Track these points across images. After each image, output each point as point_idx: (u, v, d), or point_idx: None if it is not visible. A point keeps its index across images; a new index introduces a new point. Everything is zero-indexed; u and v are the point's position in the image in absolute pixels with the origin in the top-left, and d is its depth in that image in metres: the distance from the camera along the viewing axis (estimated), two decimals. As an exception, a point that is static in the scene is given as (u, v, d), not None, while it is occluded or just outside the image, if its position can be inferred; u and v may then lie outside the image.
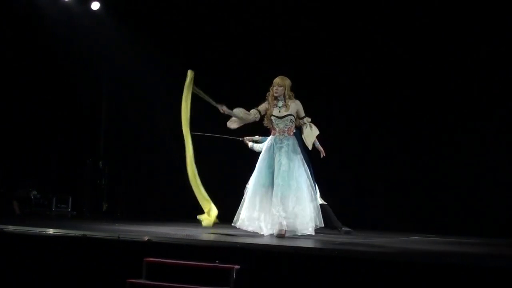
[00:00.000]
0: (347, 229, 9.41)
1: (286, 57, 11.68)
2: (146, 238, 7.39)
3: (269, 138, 8.85)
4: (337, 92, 11.31)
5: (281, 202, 8.46)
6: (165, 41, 12.52)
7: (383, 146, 10.97)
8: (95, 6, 12.84)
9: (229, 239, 8.03)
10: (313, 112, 8.94)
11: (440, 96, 11.00)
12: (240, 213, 8.67)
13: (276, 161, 8.63)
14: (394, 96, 11.17)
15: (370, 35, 11.27)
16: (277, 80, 8.71)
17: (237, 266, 6.72)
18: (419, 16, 10.98)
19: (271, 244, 7.59)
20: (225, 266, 6.75)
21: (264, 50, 11.85)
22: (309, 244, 7.83)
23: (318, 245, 7.79)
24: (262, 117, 8.76)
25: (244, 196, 8.77)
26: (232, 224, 8.69)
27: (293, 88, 8.73)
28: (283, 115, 8.68)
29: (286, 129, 8.74)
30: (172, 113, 12.43)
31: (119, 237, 7.46)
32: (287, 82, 8.70)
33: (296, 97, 8.71)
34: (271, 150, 8.71)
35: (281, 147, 8.65)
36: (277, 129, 8.72)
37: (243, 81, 11.90)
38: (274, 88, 8.71)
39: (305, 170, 8.69)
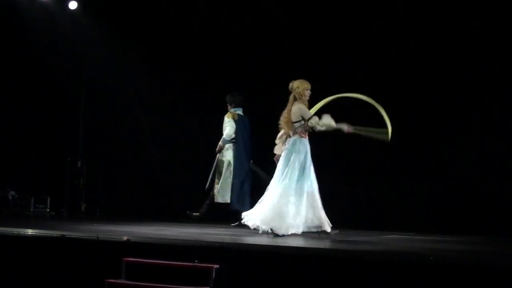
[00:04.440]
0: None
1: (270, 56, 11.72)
2: (125, 238, 7.39)
3: (306, 141, 8.84)
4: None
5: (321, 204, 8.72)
6: (144, 40, 12.49)
7: (360, 144, 10.97)
8: (73, 5, 12.78)
9: (208, 238, 8.04)
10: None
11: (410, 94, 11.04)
12: (294, 220, 8.57)
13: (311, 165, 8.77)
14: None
15: (361, 34, 11.29)
16: (307, 84, 8.88)
17: (216, 266, 6.73)
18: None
19: (250, 243, 7.62)
20: (205, 266, 6.77)
21: (247, 52, 11.86)
22: (289, 243, 7.85)
23: (298, 244, 7.81)
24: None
25: (292, 202, 8.62)
26: (284, 233, 8.52)
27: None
28: None
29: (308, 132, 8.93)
30: (151, 112, 12.55)
31: (98, 237, 7.45)
32: None
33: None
34: (309, 154, 8.77)
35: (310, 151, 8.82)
36: (307, 133, 8.86)
37: (224, 81, 11.93)
38: (307, 92, 8.89)
39: None
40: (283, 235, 8.39)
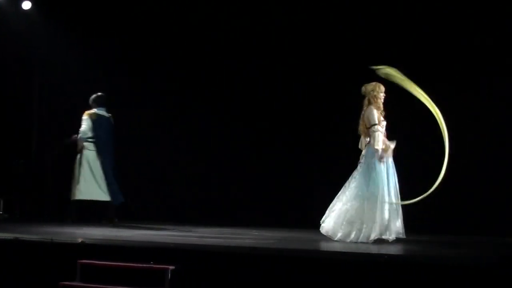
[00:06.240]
0: None
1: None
2: (79, 240, 7.36)
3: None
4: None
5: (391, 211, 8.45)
6: (100, 40, 12.38)
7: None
8: (27, 5, 12.64)
9: (163, 239, 8.03)
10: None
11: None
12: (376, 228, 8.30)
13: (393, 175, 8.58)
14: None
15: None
16: (382, 87, 8.62)
17: (172, 267, 6.74)
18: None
19: (205, 244, 7.63)
20: (160, 267, 6.78)
21: (209, 57, 11.86)
22: (244, 243, 7.86)
23: (252, 244, 7.84)
24: None
25: (374, 209, 8.33)
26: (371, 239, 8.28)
27: None
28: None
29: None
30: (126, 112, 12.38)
31: (52, 239, 7.40)
32: None
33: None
34: (385, 163, 8.51)
35: (389, 161, 8.59)
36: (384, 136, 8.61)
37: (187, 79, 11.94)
38: (382, 94, 8.62)
39: None
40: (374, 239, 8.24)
